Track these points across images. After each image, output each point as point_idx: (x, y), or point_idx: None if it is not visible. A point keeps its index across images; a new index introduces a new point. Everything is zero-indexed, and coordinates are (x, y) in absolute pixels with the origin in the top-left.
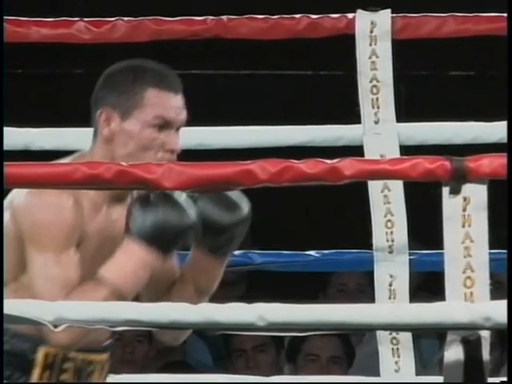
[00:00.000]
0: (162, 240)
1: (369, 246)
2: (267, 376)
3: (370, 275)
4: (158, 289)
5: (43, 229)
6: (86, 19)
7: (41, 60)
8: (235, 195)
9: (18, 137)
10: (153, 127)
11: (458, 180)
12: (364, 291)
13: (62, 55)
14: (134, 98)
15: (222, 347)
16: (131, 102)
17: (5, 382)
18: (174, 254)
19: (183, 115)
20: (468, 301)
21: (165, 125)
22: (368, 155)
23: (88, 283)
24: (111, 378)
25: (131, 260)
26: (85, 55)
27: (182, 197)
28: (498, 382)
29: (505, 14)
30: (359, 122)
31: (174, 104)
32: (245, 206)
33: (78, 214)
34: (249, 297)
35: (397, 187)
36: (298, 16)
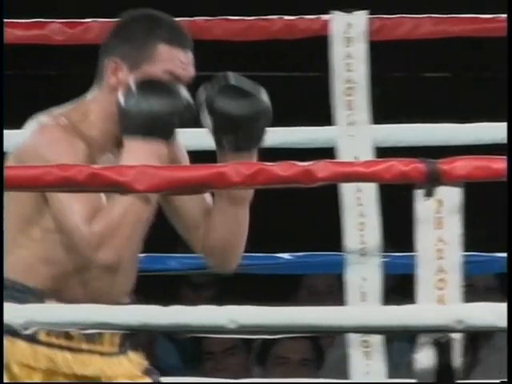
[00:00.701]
0: (155, 127)
1: (341, 248)
2: (236, 379)
3: (341, 277)
4: (191, 216)
5: (56, 162)
6: (59, 20)
7: (40, 60)
8: (251, 86)
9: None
10: None
11: (431, 182)
12: (335, 293)
13: (59, 55)
14: (145, 52)
15: (191, 350)
16: (142, 55)
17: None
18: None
19: (191, 72)
20: (440, 303)
21: (172, 80)
22: (342, 157)
23: (107, 203)
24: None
25: (135, 158)
26: (83, 55)
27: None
28: (498, 381)
29: (481, 16)
30: (333, 124)
31: (184, 60)
32: (263, 94)
33: (85, 148)
34: (220, 299)
35: (369, 189)
36: (273, 17)
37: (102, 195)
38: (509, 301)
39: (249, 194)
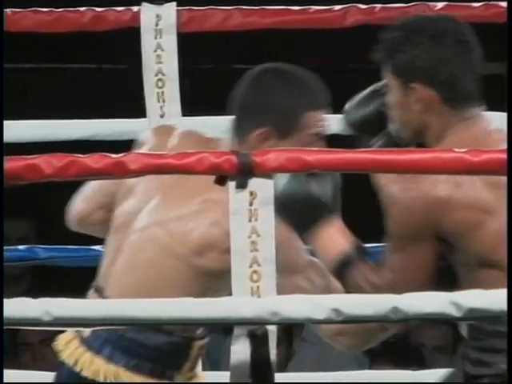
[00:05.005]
0: None
1: None
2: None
3: None
4: None
5: None
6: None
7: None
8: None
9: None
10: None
11: (244, 174)
12: None
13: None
14: (295, 121)
15: (7, 341)
16: (291, 124)
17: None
18: None
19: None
20: (255, 295)
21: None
22: None
23: None
24: None
25: None
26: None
27: None
28: (498, 382)
29: (291, 7)
30: (145, 116)
31: (323, 118)
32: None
33: None
34: (34, 292)
35: None
36: (82, 9)
37: None
38: (509, 297)
39: None
